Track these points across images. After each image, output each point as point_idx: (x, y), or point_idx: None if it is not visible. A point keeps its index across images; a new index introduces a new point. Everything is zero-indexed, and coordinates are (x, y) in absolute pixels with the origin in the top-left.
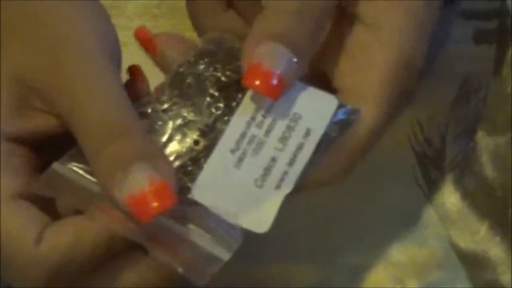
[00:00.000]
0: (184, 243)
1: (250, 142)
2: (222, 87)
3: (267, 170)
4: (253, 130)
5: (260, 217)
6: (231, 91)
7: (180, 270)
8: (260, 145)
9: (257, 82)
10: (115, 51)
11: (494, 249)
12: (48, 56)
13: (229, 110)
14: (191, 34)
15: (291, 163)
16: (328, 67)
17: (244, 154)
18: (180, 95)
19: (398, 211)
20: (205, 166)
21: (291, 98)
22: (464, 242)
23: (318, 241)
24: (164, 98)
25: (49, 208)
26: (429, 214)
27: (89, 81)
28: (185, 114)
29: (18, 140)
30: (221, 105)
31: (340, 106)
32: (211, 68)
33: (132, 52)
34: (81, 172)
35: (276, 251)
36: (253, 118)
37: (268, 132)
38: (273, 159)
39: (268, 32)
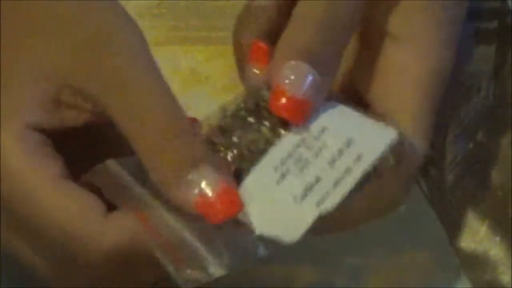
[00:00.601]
0: (184, 249)
1: (297, 161)
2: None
3: (308, 189)
4: (301, 150)
5: (290, 228)
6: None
7: (170, 270)
8: (307, 164)
9: (282, 109)
10: (146, 43)
11: (494, 249)
12: (88, 53)
13: (277, 135)
14: (190, 34)
15: (336, 184)
16: (360, 83)
17: (287, 171)
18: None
19: (398, 211)
20: (244, 181)
21: (349, 124)
22: (464, 242)
23: (319, 242)
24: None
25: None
26: (429, 214)
27: (137, 78)
28: (235, 138)
29: (46, 132)
30: (269, 128)
31: (398, 138)
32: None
33: None
34: (130, 177)
35: (277, 251)
36: (303, 140)
37: (317, 154)
38: (318, 179)
39: (292, 49)
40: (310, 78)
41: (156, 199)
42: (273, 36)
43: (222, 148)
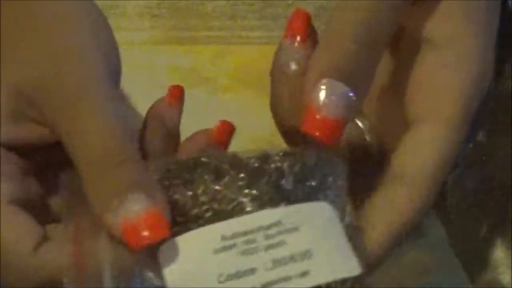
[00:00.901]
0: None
1: (246, 242)
2: (277, 187)
3: (238, 274)
4: (258, 235)
5: None
6: (273, 192)
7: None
8: (252, 252)
9: (315, 128)
10: (117, 66)
11: (494, 249)
12: (51, 70)
13: (260, 206)
14: (190, 34)
15: (267, 285)
16: (392, 88)
17: (231, 247)
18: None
19: None
20: (189, 233)
21: (319, 239)
22: (464, 242)
23: None
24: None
25: (43, 210)
26: (429, 214)
27: (92, 105)
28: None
29: (11, 147)
30: (254, 198)
31: (357, 278)
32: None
33: (130, 52)
34: None
35: None
36: (268, 227)
37: (269, 247)
38: (252, 271)
39: (326, 66)
40: (344, 96)
41: None
42: None
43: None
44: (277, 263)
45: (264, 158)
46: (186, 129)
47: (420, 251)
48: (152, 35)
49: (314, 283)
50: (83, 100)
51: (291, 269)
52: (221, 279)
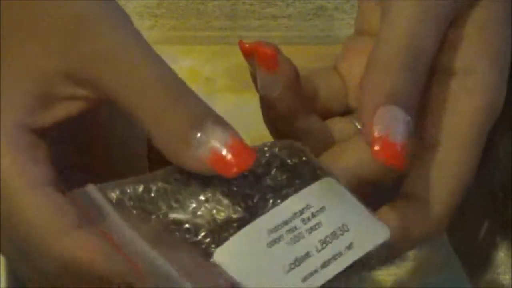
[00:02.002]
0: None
1: (289, 231)
2: (281, 181)
3: (298, 261)
4: (297, 222)
5: None
6: (290, 180)
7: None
8: (299, 238)
9: (386, 155)
10: (129, 19)
11: (494, 249)
12: (75, 39)
13: (279, 196)
14: (190, 34)
15: (324, 265)
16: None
17: (280, 238)
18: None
19: None
20: (237, 234)
21: (346, 209)
22: (464, 242)
23: None
24: None
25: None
26: None
27: (127, 51)
28: (232, 187)
29: (40, 133)
30: (270, 193)
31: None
32: (278, 168)
33: None
34: (109, 206)
35: None
36: (301, 212)
37: (311, 230)
38: (308, 254)
39: (382, 94)
40: (405, 122)
41: (135, 231)
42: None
43: (223, 183)
44: (324, 242)
45: (258, 151)
46: None
47: (420, 250)
48: (152, 35)
49: (362, 253)
50: (117, 52)
51: (338, 245)
52: (286, 269)
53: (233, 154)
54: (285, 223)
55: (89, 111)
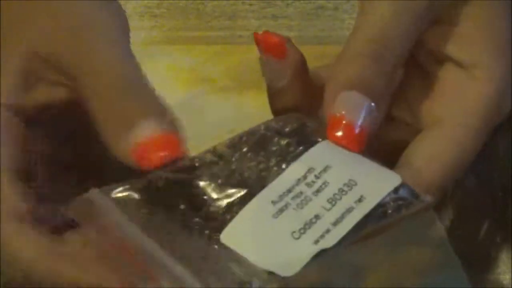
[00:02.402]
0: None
1: (295, 197)
2: (281, 150)
3: (307, 225)
4: (301, 187)
5: (287, 263)
6: (288, 153)
7: None
8: (306, 201)
9: (340, 134)
10: (126, 25)
11: (494, 249)
12: (65, 29)
13: (280, 168)
14: (190, 34)
15: (336, 223)
16: (407, 108)
17: (286, 206)
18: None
19: None
20: (241, 212)
21: (351, 164)
22: (464, 242)
23: None
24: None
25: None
26: (429, 214)
27: (104, 45)
28: (233, 166)
29: (19, 113)
30: (273, 162)
31: (402, 185)
32: (276, 137)
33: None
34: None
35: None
36: (304, 177)
37: (317, 192)
38: (317, 216)
39: (347, 79)
40: (365, 107)
41: (144, 231)
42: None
43: (225, 164)
44: (332, 200)
45: (253, 130)
46: (186, 129)
47: (420, 250)
48: (152, 35)
49: (374, 203)
50: (94, 43)
51: (347, 200)
52: (296, 235)
53: (156, 144)
54: (289, 190)
55: (72, 102)
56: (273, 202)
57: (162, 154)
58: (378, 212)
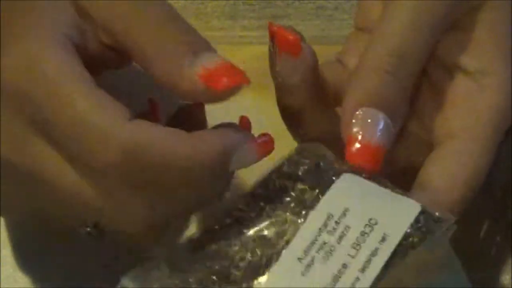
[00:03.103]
0: None
1: (319, 249)
2: (297, 198)
3: (337, 277)
4: (324, 236)
5: None
6: (305, 200)
7: None
8: (331, 252)
9: (357, 156)
10: None
11: (494, 249)
12: None
13: (299, 218)
14: None
15: (364, 269)
16: (416, 119)
17: (312, 261)
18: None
19: None
20: (269, 274)
21: (369, 202)
22: (464, 242)
23: None
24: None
25: None
26: None
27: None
28: (252, 229)
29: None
30: (291, 213)
31: (423, 212)
32: (290, 185)
33: None
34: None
35: None
36: (325, 225)
37: (340, 238)
38: (344, 266)
39: (364, 95)
40: (382, 123)
41: None
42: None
43: (244, 226)
44: (357, 245)
45: (265, 180)
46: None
47: (420, 251)
48: None
49: (398, 239)
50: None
51: (371, 242)
52: None
53: (223, 70)
54: (313, 243)
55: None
56: (299, 259)
57: (230, 79)
58: (403, 245)
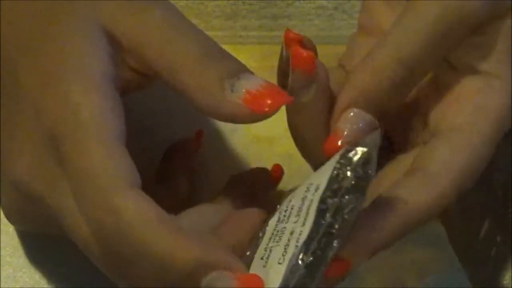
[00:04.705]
0: None
1: (275, 237)
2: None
3: (287, 245)
4: (278, 227)
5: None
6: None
7: None
8: (282, 231)
9: (332, 152)
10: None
11: (494, 249)
12: (130, 12)
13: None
14: None
15: (304, 222)
16: (419, 114)
17: (270, 251)
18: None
19: None
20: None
21: (313, 176)
22: (464, 242)
23: None
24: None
25: None
26: None
27: (175, 22)
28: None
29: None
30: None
31: (348, 150)
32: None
33: None
34: None
35: None
36: (278, 220)
37: (288, 217)
38: (292, 232)
39: (358, 95)
40: (369, 127)
41: None
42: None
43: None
44: (299, 210)
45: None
46: (185, 129)
47: (420, 250)
48: None
49: (326, 184)
50: (165, 24)
51: (308, 199)
52: (280, 261)
53: (266, 92)
54: (270, 238)
55: (139, 88)
56: (262, 259)
57: (274, 101)
58: (336, 180)
